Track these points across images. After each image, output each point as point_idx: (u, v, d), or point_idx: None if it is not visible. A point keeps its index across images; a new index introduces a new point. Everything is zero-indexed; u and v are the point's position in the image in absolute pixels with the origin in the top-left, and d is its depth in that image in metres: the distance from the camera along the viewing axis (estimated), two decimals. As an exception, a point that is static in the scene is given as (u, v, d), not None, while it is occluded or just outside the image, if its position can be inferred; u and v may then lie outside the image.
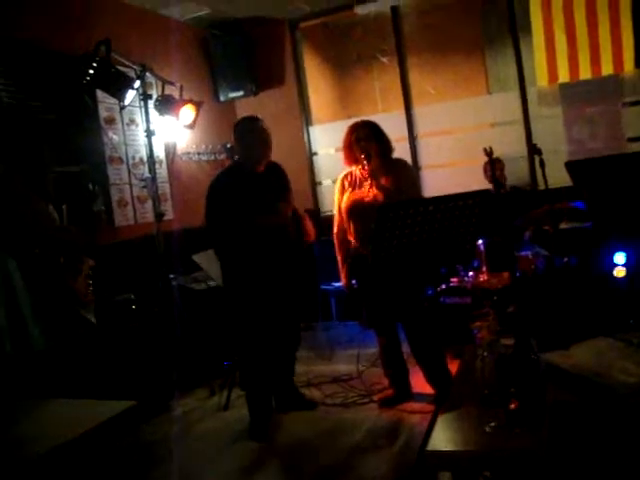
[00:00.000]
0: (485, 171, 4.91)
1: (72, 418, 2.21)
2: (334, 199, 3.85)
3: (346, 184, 3.75)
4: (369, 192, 3.57)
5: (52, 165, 3.65)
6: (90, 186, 4.40)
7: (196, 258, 4.40)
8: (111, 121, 4.91)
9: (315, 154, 6.53)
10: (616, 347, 1.95)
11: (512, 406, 1.62)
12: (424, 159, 6.09)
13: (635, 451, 1.56)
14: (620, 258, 4.23)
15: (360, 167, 3.66)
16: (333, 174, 6.13)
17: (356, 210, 3.65)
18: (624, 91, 5.37)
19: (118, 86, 4.16)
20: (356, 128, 3.70)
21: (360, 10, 6.09)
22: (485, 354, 1.76)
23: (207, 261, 4.28)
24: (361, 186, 3.65)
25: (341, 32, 7.03)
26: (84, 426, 2.10)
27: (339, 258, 3.88)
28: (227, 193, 3.59)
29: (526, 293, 2.86)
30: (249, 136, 3.64)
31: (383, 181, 3.62)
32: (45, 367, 3.03)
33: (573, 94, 5.52)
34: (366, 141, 3.62)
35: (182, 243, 4.72)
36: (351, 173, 3.77)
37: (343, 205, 3.73)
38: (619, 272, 4.05)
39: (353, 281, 3.89)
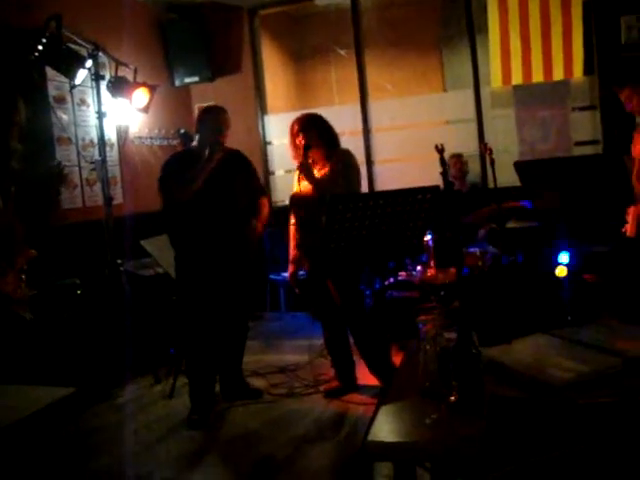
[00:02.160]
0: (451, 166, 4.98)
1: (8, 404, 2.16)
2: None
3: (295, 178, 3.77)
4: (299, 185, 3.59)
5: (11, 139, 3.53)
6: (56, 164, 4.22)
7: (144, 244, 4.33)
8: (61, 100, 4.77)
9: (269, 143, 6.50)
10: (554, 344, 2.01)
11: (452, 399, 1.65)
12: (378, 153, 6.13)
13: (569, 443, 1.61)
14: (564, 258, 4.35)
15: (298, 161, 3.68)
16: (286, 164, 6.12)
17: (292, 201, 3.71)
18: (573, 96, 5.52)
19: (69, 64, 4.06)
20: (297, 122, 3.73)
21: (320, 1, 6.08)
22: (428, 347, 1.78)
23: (156, 247, 4.22)
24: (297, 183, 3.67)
25: (300, 22, 7.01)
26: (21, 412, 2.05)
27: (291, 244, 3.89)
28: (173, 173, 3.59)
29: (471, 289, 2.92)
30: (209, 125, 3.65)
31: (320, 173, 3.64)
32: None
33: (526, 96, 5.64)
34: (306, 134, 3.64)
35: (132, 228, 4.64)
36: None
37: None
38: (561, 271, 4.16)
39: (301, 272, 3.91)
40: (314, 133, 3.65)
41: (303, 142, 3.60)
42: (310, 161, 3.62)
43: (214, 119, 3.68)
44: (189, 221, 3.61)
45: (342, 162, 3.68)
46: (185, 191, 3.51)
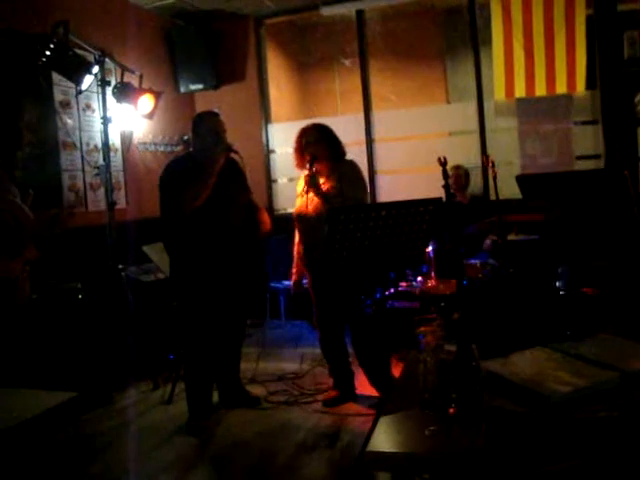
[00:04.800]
0: (453, 178, 5.00)
1: (10, 407, 2.17)
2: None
3: (299, 188, 3.78)
4: (307, 202, 3.59)
5: (18, 146, 3.55)
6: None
7: (146, 249, 4.35)
8: (66, 105, 4.80)
9: (272, 152, 6.53)
10: (553, 357, 2.02)
11: (451, 411, 1.66)
12: (380, 164, 6.15)
13: (566, 457, 1.62)
14: (563, 271, 4.36)
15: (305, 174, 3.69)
16: (289, 173, 6.15)
17: (299, 219, 3.74)
18: (575, 111, 5.55)
19: (75, 70, 4.09)
20: (305, 132, 3.74)
21: (326, 12, 6.12)
22: (428, 359, 1.80)
23: (157, 253, 4.24)
24: (304, 195, 3.66)
25: (306, 32, 7.05)
26: (22, 416, 2.06)
27: (295, 256, 3.90)
28: (178, 179, 3.56)
29: (471, 301, 2.93)
30: (205, 129, 3.64)
31: (327, 185, 3.65)
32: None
33: (529, 109, 5.67)
34: (314, 145, 3.65)
35: (134, 233, 4.66)
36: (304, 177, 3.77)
37: (294, 210, 3.79)
38: (560, 284, 4.17)
39: (304, 281, 3.92)
40: (323, 144, 3.66)
41: (312, 154, 3.61)
42: (314, 171, 3.63)
43: (209, 123, 3.67)
44: (190, 228, 3.58)
45: (348, 174, 3.70)
46: (195, 200, 3.45)
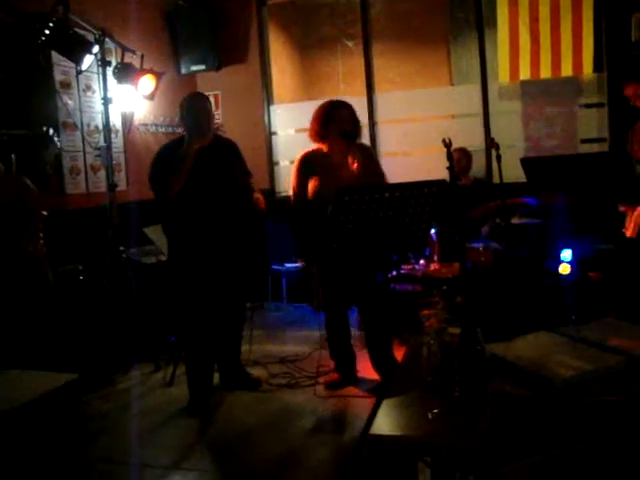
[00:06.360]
0: (456, 161, 4.95)
1: (12, 389, 2.16)
2: (291, 180, 3.80)
3: (312, 167, 3.65)
4: (346, 177, 3.53)
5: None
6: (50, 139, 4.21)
7: (147, 231, 4.33)
8: (66, 85, 4.75)
9: (274, 133, 6.48)
10: (557, 341, 2.00)
11: (455, 394, 1.65)
12: (383, 146, 6.11)
13: (569, 441, 1.61)
14: (567, 255, 4.35)
15: (329, 147, 3.62)
16: (291, 155, 6.09)
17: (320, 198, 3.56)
18: (581, 93, 5.49)
19: (75, 49, 4.04)
20: (339, 106, 3.63)
21: (329, -8, 6.05)
22: (431, 342, 1.78)
23: (158, 234, 4.21)
24: (336, 170, 3.58)
25: (308, 13, 6.97)
26: (24, 398, 2.06)
27: (298, 239, 3.85)
28: (158, 164, 3.58)
29: (475, 284, 2.91)
30: (187, 113, 3.62)
31: (354, 166, 3.61)
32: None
33: (533, 91, 5.61)
34: (347, 123, 3.57)
35: (135, 215, 4.63)
36: (316, 154, 3.68)
37: (311, 189, 3.63)
38: (564, 268, 4.16)
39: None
40: (354, 126, 3.61)
41: (345, 130, 3.54)
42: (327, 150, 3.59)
43: (192, 107, 3.63)
44: (182, 210, 3.58)
45: (376, 157, 3.73)
46: (170, 189, 3.48)
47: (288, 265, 5.59)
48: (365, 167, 3.60)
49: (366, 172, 3.59)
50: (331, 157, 3.63)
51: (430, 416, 1.61)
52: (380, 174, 3.70)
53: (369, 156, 3.71)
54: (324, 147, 3.64)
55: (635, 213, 3.60)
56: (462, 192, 5.00)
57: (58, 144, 4.28)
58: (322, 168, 3.61)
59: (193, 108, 3.61)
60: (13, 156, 3.32)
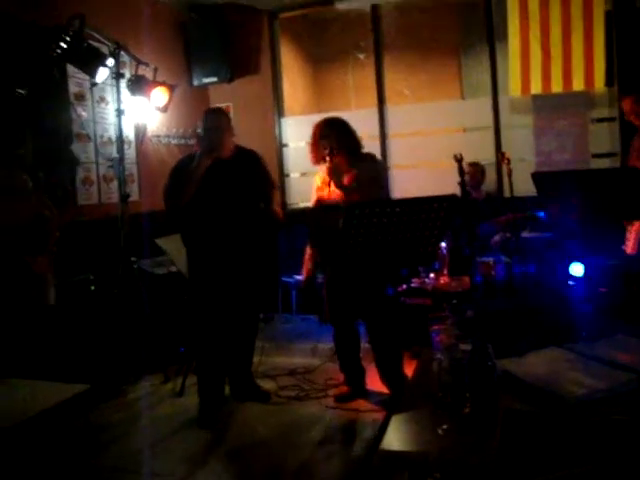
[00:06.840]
0: (469, 175, 4.96)
1: (23, 400, 2.18)
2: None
3: (318, 181, 3.75)
4: (330, 194, 3.56)
5: (29, 138, 3.57)
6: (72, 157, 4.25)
7: (159, 242, 4.36)
8: (81, 97, 4.81)
9: (285, 146, 6.51)
10: (568, 358, 1.99)
11: (466, 410, 1.65)
12: (394, 159, 6.13)
13: (581, 460, 1.60)
14: (576, 269, 4.34)
15: (329, 168, 3.65)
16: (302, 167, 6.14)
17: (316, 211, 3.71)
18: (593, 107, 5.49)
19: (91, 62, 4.09)
20: (320, 125, 3.71)
21: (340, 5, 6.08)
22: (442, 358, 1.78)
23: (171, 245, 4.24)
24: (326, 187, 3.62)
25: (320, 26, 7.01)
26: (35, 408, 2.07)
27: (309, 251, 3.87)
28: (172, 177, 3.63)
29: (485, 298, 2.91)
30: (204, 127, 3.66)
31: (346, 179, 3.62)
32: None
33: (544, 106, 5.62)
34: (329, 138, 3.62)
35: (147, 226, 4.66)
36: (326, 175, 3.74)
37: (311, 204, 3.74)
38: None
39: (319, 276, 3.91)
40: (337, 138, 3.62)
41: (329, 146, 3.57)
42: (333, 164, 3.61)
43: (204, 123, 3.67)
44: (199, 222, 3.63)
45: (373, 164, 3.69)
46: (179, 200, 3.55)
47: (298, 277, 5.59)
48: (355, 180, 3.60)
49: (356, 185, 3.58)
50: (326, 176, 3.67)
51: (440, 432, 1.61)
52: (371, 187, 3.59)
53: (363, 167, 3.67)
54: (326, 168, 3.67)
55: (633, 228, 3.59)
56: (473, 206, 5.00)
57: (79, 160, 4.33)
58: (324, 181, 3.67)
59: (205, 124, 3.66)
60: (41, 174, 3.33)
